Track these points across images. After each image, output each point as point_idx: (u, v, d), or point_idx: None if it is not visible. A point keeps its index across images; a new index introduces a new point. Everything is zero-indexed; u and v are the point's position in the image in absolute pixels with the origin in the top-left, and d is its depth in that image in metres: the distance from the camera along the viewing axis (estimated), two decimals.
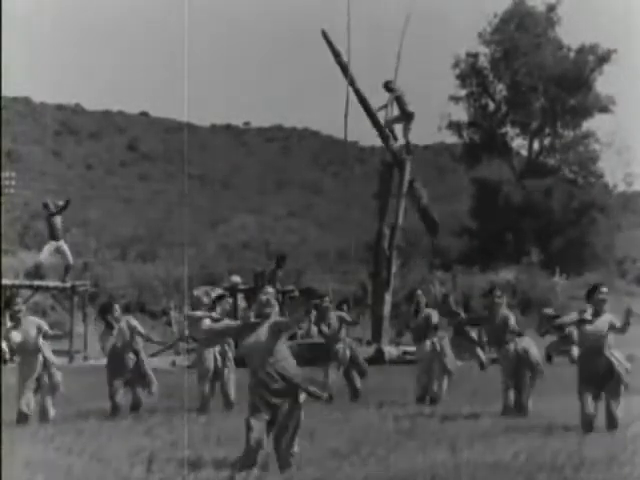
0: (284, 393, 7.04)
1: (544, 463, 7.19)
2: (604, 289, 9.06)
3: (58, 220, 19.27)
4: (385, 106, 19.45)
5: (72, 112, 58.68)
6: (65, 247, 19.47)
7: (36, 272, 19.48)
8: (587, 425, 8.78)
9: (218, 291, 11.71)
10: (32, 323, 10.40)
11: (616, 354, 8.90)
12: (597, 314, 8.90)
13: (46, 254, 19.44)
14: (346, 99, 19.04)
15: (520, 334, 10.42)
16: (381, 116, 19.62)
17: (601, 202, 35.65)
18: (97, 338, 11.61)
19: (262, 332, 7.19)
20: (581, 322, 8.94)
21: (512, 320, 10.45)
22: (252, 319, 7.48)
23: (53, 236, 19.26)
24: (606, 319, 8.90)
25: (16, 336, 10.15)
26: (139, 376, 10.84)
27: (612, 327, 8.87)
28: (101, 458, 7.75)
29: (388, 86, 19.39)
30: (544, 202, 35.19)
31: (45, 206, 19.51)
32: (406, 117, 19.43)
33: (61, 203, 19.46)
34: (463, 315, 14.57)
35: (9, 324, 10.26)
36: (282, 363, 7.10)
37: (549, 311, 16.51)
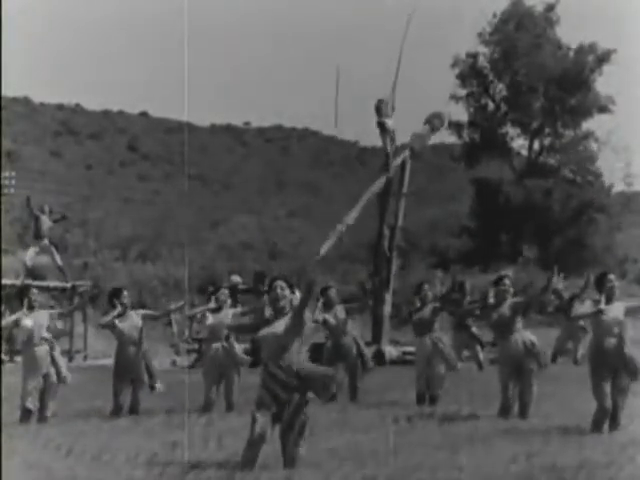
0: (294, 389, 7.04)
1: (544, 465, 7.18)
2: (612, 276, 8.99)
3: (46, 220, 19.34)
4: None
5: (72, 112, 58.69)
6: (52, 247, 19.52)
7: (29, 273, 19.52)
8: (600, 423, 8.66)
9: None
10: (44, 313, 10.51)
11: (629, 345, 8.79)
12: (609, 302, 8.78)
13: (31, 255, 19.49)
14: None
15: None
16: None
17: (601, 202, 35.65)
18: (98, 332, 11.66)
19: (279, 326, 7.17)
20: (597, 312, 8.79)
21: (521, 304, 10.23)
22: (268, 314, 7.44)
23: (37, 235, 19.33)
24: (620, 305, 8.81)
25: (28, 322, 10.22)
26: (144, 374, 10.89)
27: (629, 312, 8.79)
28: (101, 459, 7.74)
29: (378, 105, 19.37)
30: (544, 202, 35.19)
31: (27, 200, 19.62)
32: (380, 127, 19.36)
33: (46, 208, 19.52)
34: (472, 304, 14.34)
35: (25, 311, 10.35)
36: (296, 359, 7.09)
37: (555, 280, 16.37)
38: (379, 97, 19.75)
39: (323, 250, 17.35)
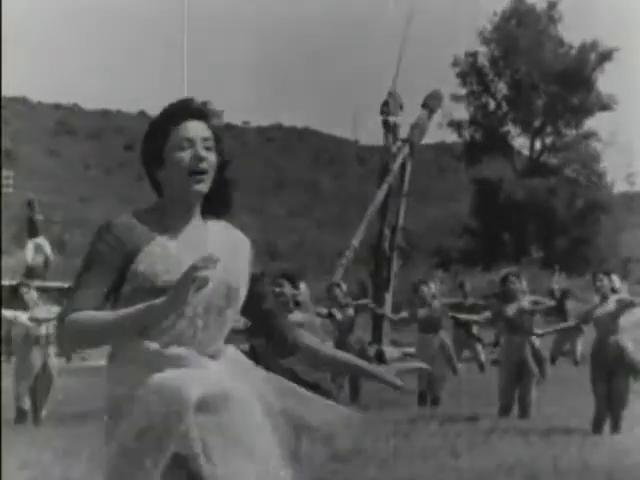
0: None
1: (546, 467, 7.10)
2: (601, 275, 8.92)
3: (39, 218, 19.41)
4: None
5: (70, 111, 58.69)
6: (46, 243, 19.56)
7: (29, 273, 19.48)
8: (600, 424, 8.62)
9: None
10: (43, 307, 10.44)
11: (629, 343, 8.71)
12: (604, 300, 8.75)
13: (31, 253, 19.49)
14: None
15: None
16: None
17: (604, 201, 35.59)
18: None
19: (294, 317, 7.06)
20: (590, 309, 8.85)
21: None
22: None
23: (34, 233, 19.34)
24: (613, 299, 8.72)
25: (24, 318, 10.14)
26: None
27: (623, 305, 8.66)
28: (99, 460, 7.65)
29: (386, 100, 19.22)
30: (546, 201, 35.15)
31: (30, 204, 19.64)
32: (384, 125, 19.22)
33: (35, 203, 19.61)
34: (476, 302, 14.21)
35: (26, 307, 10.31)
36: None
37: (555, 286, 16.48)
38: (378, 97, 19.59)
39: (335, 279, 17.23)
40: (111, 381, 2.46)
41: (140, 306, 2.32)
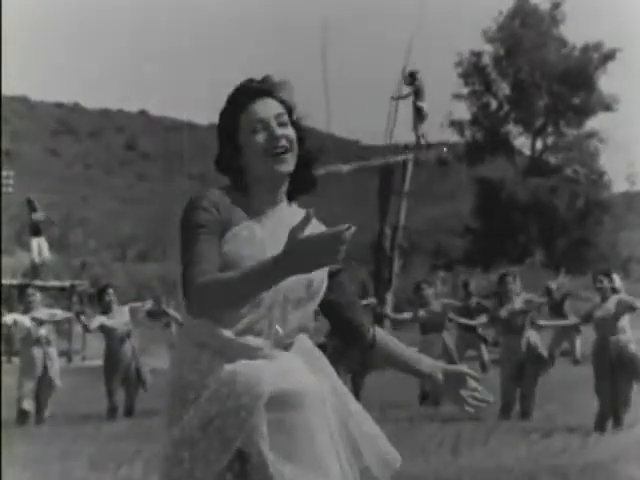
0: None
1: (547, 465, 7.09)
2: (601, 276, 8.91)
3: (40, 216, 19.42)
4: (404, 97, 19.34)
5: (70, 110, 58.69)
6: (45, 243, 19.62)
7: (34, 271, 19.49)
8: (603, 422, 8.60)
9: None
10: (43, 309, 10.44)
11: (632, 341, 8.67)
12: (604, 300, 8.70)
13: (35, 251, 19.52)
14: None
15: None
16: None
17: (604, 201, 35.59)
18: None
19: None
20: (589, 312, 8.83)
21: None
22: None
23: (36, 232, 19.36)
24: (613, 300, 8.67)
25: (26, 321, 10.12)
26: (135, 374, 10.73)
27: (623, 307, 8.62)
28: (99, 460, 7.65)
29: (413, 76, 19.20)
30: (548, 201, 35.15)
31: (29, 202, 19.65)
32: (417, 113, 19.32)
33: (41, 215, 19.58)
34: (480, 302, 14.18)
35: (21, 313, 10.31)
36: None
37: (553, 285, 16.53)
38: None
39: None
40: (179, 365, 2.32)
41: (266, 260, 2.13)
